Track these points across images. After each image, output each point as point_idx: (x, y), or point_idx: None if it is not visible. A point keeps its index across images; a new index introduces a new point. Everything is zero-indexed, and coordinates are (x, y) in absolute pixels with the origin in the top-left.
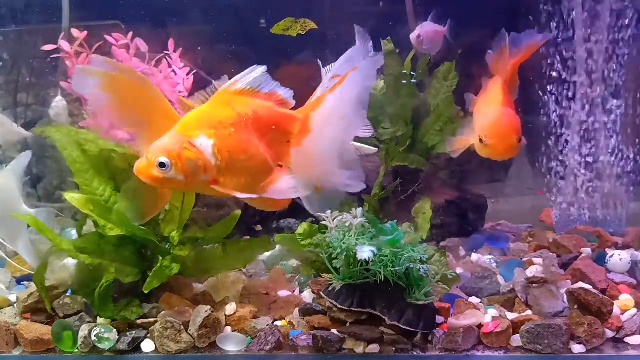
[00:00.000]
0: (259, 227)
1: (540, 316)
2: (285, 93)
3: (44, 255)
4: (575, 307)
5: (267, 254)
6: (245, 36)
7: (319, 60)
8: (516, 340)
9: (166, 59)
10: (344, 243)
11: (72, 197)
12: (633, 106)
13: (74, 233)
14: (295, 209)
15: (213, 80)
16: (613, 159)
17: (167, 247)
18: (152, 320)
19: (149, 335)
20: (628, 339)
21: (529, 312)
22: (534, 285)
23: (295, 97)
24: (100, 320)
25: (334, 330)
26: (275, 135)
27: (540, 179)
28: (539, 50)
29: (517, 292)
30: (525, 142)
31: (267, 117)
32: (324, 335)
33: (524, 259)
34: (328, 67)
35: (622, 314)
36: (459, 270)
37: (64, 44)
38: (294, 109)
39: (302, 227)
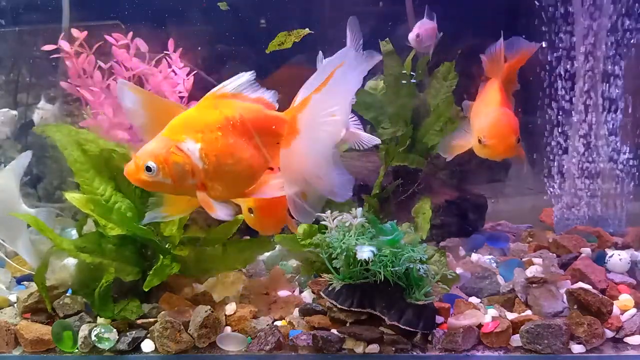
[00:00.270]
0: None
1: (540, 316)
2: (270, 97)
3: (44, 255)
4: (575, 307)
5: (267, 254)
6: (245, 36)
7: (320, 52)
8: (516, 340)
9: (166, 59)
10: (343, 243)
11: (72, 197)
12: (633, 106)
13: (74, 233)
14: None
15: (214, 81)
16: (613, 159)
17: (167, 246)
18: (152, 320)
19: (148, 335)
20: (628, 339)
21: (528, 312)
22: (533, 285)
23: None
24: (100, 320)
25: (334, 330)
26: (263, 138)
27: (540, 179)
28: (537, 52)
29: (517, 292)
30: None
31: (254, 120)
32: (323, 335)
33: (523, 259)
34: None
35: (622, 314)
36: (458, 270)
37: (63, 44)
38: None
39: (302, 227)
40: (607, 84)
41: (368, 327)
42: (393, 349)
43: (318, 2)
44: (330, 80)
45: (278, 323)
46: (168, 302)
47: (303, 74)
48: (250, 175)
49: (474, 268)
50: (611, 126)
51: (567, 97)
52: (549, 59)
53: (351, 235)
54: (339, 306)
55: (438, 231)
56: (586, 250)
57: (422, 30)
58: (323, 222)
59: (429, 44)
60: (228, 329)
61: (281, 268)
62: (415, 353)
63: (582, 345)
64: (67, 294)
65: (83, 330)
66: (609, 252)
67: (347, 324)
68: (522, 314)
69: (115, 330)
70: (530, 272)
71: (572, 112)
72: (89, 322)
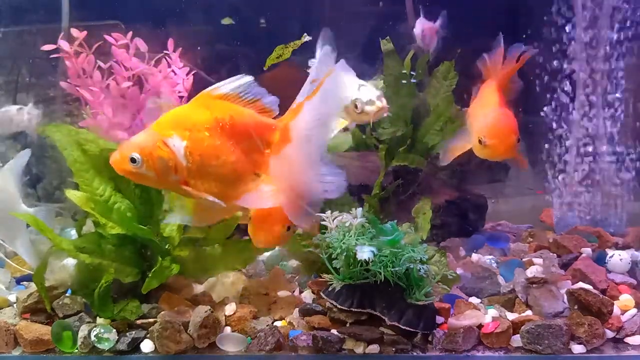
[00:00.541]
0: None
1: (540, 316)
2: (270, 101)
3: (44, 255)
4: (576, 307)
5: (267, 254)
6: (245, 36)
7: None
8: (516, 340)
9: (166, 58)
10: (343, 243)
11: (73, 195)
12: (633, 106)
13: (73, 233)
14: None
15: (214, 81)
16: (613, 159)
17: (167, 247)
18: (151, 320)
19: (148, 335)
20: (628, 339)
21: (529, 312)
22: (534, 285)
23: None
24: (99, 320)
25: (334, 331)
26: (252, 144)
27: (540, 179)
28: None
29: (517, 292)
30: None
31: (244, 124)
32: (323, 336)
33: (524, 259)
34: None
35: (622, 314)
36: (459, 271)
37: (63, 43)
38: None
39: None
40: (608, 84)
41: (368, 327)
42: (393, 349)
43: (318, 2)
44: (321, 88)
45: (278, 323)
46: (168, 302)
47: (302, 75)
48: (234, 178)
49: (474, 268)
50: (611, 126)
51: (567, 97)
52: (549, 59)
53: (351, 236)
54: (339, 306)
55: (438, 231)
56: (587, 251)
57: (426, 26)
58: (323, 222)
59: (432, 41)
60: (228, 329)
61: (281, 268)
62: (415, 353)
63: (582, 345)
64: (67, 294)
65: (83, 331)
66: (610, 252)
67: (347, 325)
68: (523, 314)
69: (114, 330)
70: (531, 272)
71: (572, 112)
72: (89, 322)
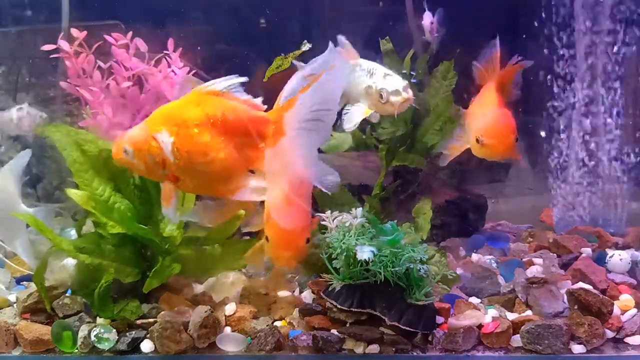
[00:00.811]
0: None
1: (540, 316)
2: (261, 100)
3: (44, 255)
4: (576, 307)
5: None
6: (245, 36)
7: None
8: (516, 340)
9: (166, 58)
10: (343, 243)
11: (74, 193)
12: (633, 106)
13: (73, 233)
14: None
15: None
16: (613, 158)
17: (167, 247)
18: (151, 320)
19: (148, 335)
20: (628, 339)
21: (529, 312)
22: (534, 285)
23: None
24: (99, 320)
25: (334, 331)
26: (246, 139)
27: (540, 179)
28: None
29: (517, 292)
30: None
31: (237, 120)
32: (323, 336)
33: (524, 259)
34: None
35: (622, 314)
36: (459, 271)
37: (63, 43)
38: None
39: None
40: (608, 84)
41: (368, 327)
42: (393, 349)
43: (318, 2)
44: (317, 80)
45: (278, 323)
46: (168, 302)
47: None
48: (225, 175)
49: (474, 268)
50: (612, 126)
51: (568, 97)
52: (549, 59)
53: (351, 236)
54: (339, 306)
55: (438, 231)
56: (587, 251)
57: (433, 19)
58: (323, 222)
59: (438, 34)
60: (228, 329)
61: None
62: (415, 353)
63: (582, 345)
64: (67, 294)
65: (82, 331)
66: (610, 252)
67: (347, 325)
68: (523, 314)
69: (114, 330)
70: (531, 272)
71: (572, 112)
72: (89, 322)
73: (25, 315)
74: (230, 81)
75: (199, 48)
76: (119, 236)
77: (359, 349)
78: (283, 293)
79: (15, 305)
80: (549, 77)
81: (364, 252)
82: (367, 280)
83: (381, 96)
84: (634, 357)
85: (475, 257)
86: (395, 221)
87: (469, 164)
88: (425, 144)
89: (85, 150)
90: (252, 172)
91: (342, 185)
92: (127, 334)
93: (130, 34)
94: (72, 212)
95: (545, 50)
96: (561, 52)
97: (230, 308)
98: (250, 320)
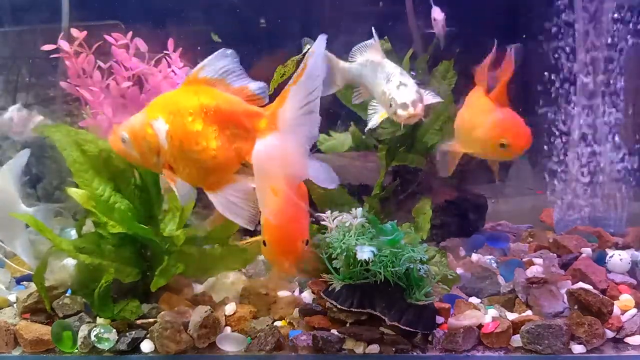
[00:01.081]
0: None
1: (540, 316)
2: (257, 88)
3: (44, 255)
4: (576, 307)
5: None
6: (245, 36)
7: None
8: (516, 340)
9: (166, 59)
10: (343, 243)
11: (75, 192)
12: (634, 106)
13: (73, 233)
14: None
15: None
16: (613, 159)
17: (167, 246)
18: (151, 320)
19: (148, 335)
20: (628, 339)
21: (529, 312)
22: (534, 285)
23: None
24: (99, 320)
25: (334, 331)
26: (239, 132)
27: (540, 179)
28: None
29: (517, 292)
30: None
31: (231, 112)
32: (323, 336)
33: (524, 259)
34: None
35: (622, 314)
36: (459, 271)
37: (63, 43)
38: None
39: None
40: (608, 84)
41: (368, 327)
42: (393, 349)
43: (318, 2)
44: (304, 71)
45: (278, 323)
46: (168, 302)
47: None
48: (216, 166)
49: (474, 268)
50: (612, 126)
51: (567, 97)
52: (549, 59)
53: (351, 236)
54: (339, 306)
55: (438, 231)
56: (587, 251)
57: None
58: (323, 222)
59: (445, 30)
60: (228, 329)
61: None
62: (415, 353)
63: (582, 345)
64: (67, 294)
65: (83, 331)
66: (610, 252)
67: (347, 325)
68: (523, 314)
69: (114, 330)
70: (531, 272)
71: (573, 112)
72: (89, 322)
73: (25, 315)
74: (221, 62)
75: (199, 48)
76: (119, 236)
77: (359, 349)
78: (283, 293)
79: (15, 305)
80: (549, 77)
81: (364, 252)
82: (367, 280)
83: (390, 105)
84: (634, 357)
85: (475, 257)
86: (395, 221)
87: (469, 164)
88: (425, 144)
89: (85, 150)
90: (244, 165)
91: (342, 186)
92: (127, 334)
93: (130, 34)
94: (72, 212)
95: (544, 48)
96: (561, 50)
97: (230, 308)
98: (250, 320)
